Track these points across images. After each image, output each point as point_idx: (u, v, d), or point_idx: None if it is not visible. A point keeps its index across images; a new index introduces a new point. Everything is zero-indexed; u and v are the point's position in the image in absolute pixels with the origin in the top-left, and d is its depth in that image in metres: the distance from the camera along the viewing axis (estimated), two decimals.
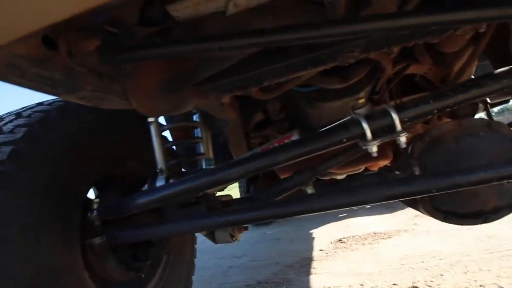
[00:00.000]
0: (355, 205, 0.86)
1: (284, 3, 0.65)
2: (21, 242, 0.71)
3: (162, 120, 1.30)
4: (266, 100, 1.40)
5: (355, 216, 3.89)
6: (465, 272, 1.64)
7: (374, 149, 0.75)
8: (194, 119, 1.37)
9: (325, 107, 1.19)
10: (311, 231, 3.46)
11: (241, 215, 0.91)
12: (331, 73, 1.05)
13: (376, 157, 1.61)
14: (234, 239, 1.23)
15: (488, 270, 1.61)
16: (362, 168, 1.73)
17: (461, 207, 0.93)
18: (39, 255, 0.74)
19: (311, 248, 2.68)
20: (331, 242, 2.74)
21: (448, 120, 1.36)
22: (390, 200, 0.83)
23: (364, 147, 0.76)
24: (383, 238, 2.58)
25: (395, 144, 1.78)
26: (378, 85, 1.26)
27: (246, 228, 1.20)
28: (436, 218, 1.01)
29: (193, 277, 1.45)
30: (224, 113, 1.23)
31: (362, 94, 1.20)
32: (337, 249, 2.50)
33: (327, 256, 2.36)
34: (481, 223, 0.93)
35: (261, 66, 0.79)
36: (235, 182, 1.05)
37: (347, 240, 2.71)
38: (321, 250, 2.56)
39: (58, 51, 0.55)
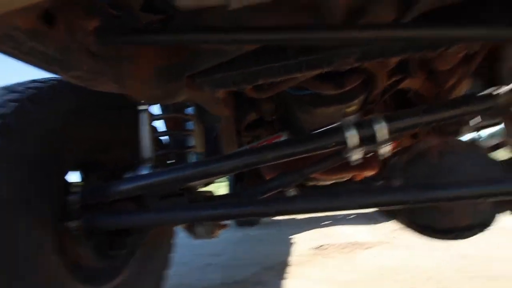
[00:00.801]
0: (334, 210, 0.87)
1: (285, 5, 0.66)
2: None
3: (152, 111, 1.29)
4: (260, 100, 1.41)
5: (338, 225, 3.93)
6: None
7: (354, 157, 0.76)
8: (189, 111, 1.37)
9: (317, 113, 1.21)
10: (293, 236, 3.48)
11: (223, 210, 0.91)
12: (326, 79, 1.06)
13: (362, 166, 1.64)
14: (213, 235, 1.23)
15: None
16: (348, 176, 1.75)
17: (436, 222, 0.96)
18: (12, 229, 0.73)
19: (291, 253, 2.69)
20: (311, 248, 2.76)
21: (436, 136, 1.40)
22: (366, 208, 0.85)
23: (346, 155, 0.78)
24: (362, 248, 2.62)
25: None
26: (371, 96, 1.29)
27: (225, 226, 1.20)
28: (412, 230, 1.04)
29: (169, 272, 1.44)
30: (218, 109, 1.24)
31: (355, 102, 1.22)
32: (316, 255, 2.52)
33: (305, 261, 2.38)
34: (452, 239, 0.96)
35: (256, 64, 0.80)
36: (221, 177, 1.05)
37: (327, 247, 2.73)
38: (300, 255, 2.57)
39: (56, 27, 0.54)
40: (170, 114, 1.22)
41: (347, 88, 1.04)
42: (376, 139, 0.75)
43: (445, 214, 0.95)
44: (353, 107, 0.88)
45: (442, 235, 0.97)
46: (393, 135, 0.79)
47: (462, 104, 0.79)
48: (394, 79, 1.19)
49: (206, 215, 0.94)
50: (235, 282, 1.96)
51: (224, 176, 1.08)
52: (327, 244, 2.82)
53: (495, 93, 0.76)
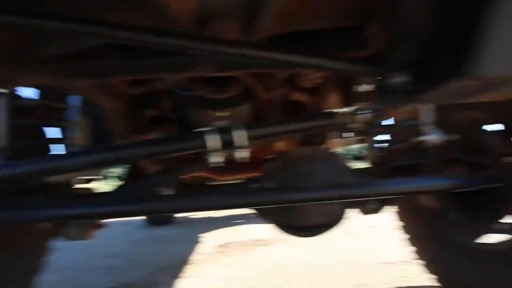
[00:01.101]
0: (204, 210, 0.91)
1: (131, 5, 0.66)
2: None
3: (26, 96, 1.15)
4: (158, 96, 1.38)
5: (251, 223, 4.07)
6: (318, 280, 1.88)
7: (214, 160, 0.81)
8: (74, 101, 1.26)
9: (202, 114, 1.23)
10: (201, 235, 3.48)
11: (87, 209, 0.87)
12: (210, 83, 1.10)
13: (252, 168, 1.72)
14: (86, 236, 1.15)
15: (342, 278, 1.89)
16: (241, 177, 1.83)
17: (294, 221, 1.08)
18: None
19: (194, 251, 2.69)
20: (215, 246, 2.81)
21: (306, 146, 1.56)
22: (230, 208, 0.90)
23: (207, 157, 0.81)
24: (262, 245, 2.77)
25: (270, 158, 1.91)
26: (261, 104, 1.37)
27: (100, 226, 1.13)
28: (280, 229, 1.15)
29: (52, 277, 1.29)
30: (102, 100, 1.16)
31: (243, 109, 1.29)
32: (218, 253, 2.57)
33: (206, 260, 2.40)
34: (308, 236, 1.10)
35: (117, 58, 0.78)
36: (77, 172, 0.99)
37: (231, 245, 2.81)
38: (203, 253, 2.60)
39: None
40: (38, 101, 1.10)
41: (227, 95, 1.08)
42: (234, 144, 0.80)
43: (301, 213, 1.07)
44: (226, 112, 0.93)
45: (300, 232, 1.09)
46: (253, 141, 0.86)
47: (309, 119, 0.90)
48: (279, 91, 1.29)
49: (66, 214, 0.88)
50: (124, 285, 1.87)
51: (83, 171, 1.03)
52: (231, 242, 2.91)
53: (334, 112, 0.89)
